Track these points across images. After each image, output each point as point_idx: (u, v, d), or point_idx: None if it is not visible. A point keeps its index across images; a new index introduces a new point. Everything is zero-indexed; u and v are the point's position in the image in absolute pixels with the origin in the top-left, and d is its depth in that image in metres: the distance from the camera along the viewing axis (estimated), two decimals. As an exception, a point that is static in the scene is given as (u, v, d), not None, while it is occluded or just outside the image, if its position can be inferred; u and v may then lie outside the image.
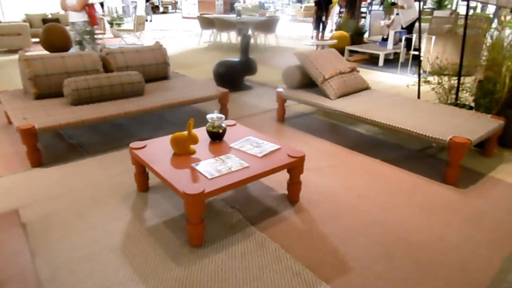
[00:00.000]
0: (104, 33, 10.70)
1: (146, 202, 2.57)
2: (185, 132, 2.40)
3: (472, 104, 3.81)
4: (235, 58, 5.49)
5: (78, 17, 5.32)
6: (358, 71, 4.14)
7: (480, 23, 5.93)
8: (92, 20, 5.44)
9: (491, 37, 3.68)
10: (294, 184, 2.54)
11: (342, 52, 7.63)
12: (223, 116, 2.62)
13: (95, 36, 5.65)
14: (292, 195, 2.59)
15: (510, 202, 2.63)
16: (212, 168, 2.23)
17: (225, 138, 2.69)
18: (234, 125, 2.97)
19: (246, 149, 2.50)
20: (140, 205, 2.53)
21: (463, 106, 3.80)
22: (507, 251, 2.13)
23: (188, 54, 8.63)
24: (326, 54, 4.13)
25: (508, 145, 3.50)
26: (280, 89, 4.09)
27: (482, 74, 3.69)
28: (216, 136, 2.63)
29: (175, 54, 8.57)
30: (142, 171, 2.63)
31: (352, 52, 8.27)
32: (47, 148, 3.42)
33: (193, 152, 2.43)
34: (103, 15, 12.00)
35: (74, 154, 3.32)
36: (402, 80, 6.24)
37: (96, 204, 2.54)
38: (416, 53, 6.23)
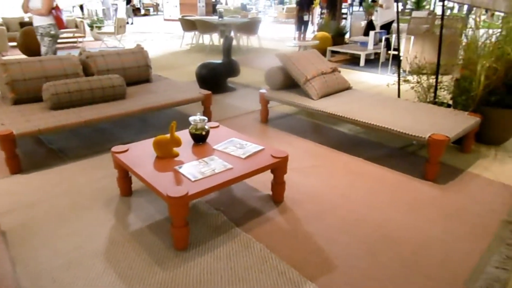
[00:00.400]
0: (84, 36, 10.54)
1: (129, 207, 2.54)
2: (168, 135, 2.39)
3: (450, 102, 3.91)
4: (218, 60, 5.49)
5: (43, 20, 5.04)
6: (340, 71, 4.19)
7: (456, 23, 6.09)
8: (59, 23, 5.13)
9: (467, 37, 3.78)
10: (278, 185, 2.56)
11: (324, 52, 7.72)
12: (206, 118, 2.62)
13: (57, 41, 5.32)
14: (276, 195, 2.60)
15: (487, 196, 2.71)
16: (195, 170, 2.23)
17: (209, 140, 2.69)
18: (217, 127, 2.96)
19: (230, 151, 2.50)
20: (123, 210, 2.51)
21: (441, 104, 3.89)
22: (486, 244, 2.19)
23: (170, 57, 8.57)
24: (308, 55, 4.17)
25: (484, 141, 3.60)
26: (263, 90, 4.10)
27: (458, 73, 3.79)
28: (199, 138, 2.62)
29: (157, 56, 8.50)
30: (124, 175, 2.60)
31: (334, 52, 8.37)
32: (26, 154, 3.34)
33: (176, 155, 2.42)
34: (83, 18, 11.80)
35: (54, 159, 3.25)
36: (382, 79, 6.35)
37: (78, 210, 2.49)
38: (396, 53, 6.35)
